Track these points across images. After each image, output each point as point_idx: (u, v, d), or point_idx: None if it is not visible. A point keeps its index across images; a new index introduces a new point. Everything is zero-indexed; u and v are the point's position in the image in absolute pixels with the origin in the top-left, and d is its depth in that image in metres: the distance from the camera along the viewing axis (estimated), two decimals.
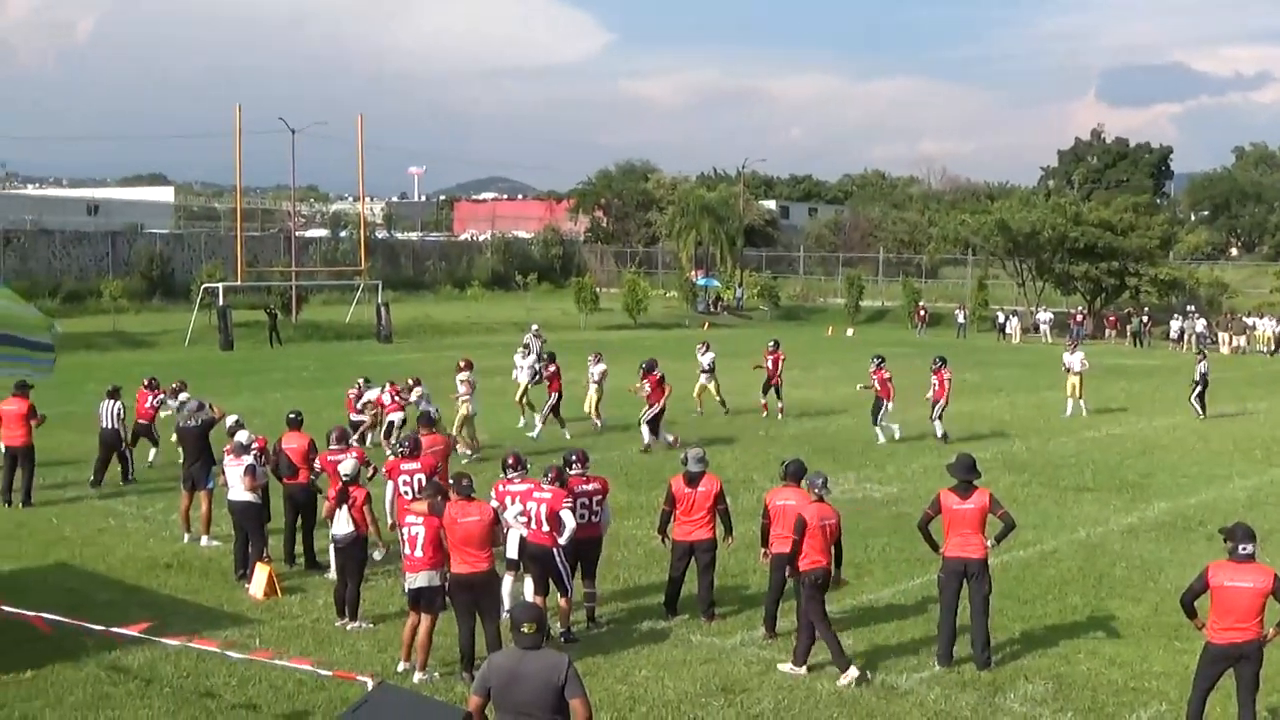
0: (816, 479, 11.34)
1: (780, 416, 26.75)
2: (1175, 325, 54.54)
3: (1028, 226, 59.40)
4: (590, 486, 12.20)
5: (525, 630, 6.93)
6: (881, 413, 23.99)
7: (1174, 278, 59.47)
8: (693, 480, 12.31)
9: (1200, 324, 54.23)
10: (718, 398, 27.14)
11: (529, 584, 11.90)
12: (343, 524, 12.16)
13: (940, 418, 23.85)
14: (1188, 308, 57.09)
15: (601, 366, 25.13)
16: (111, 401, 19.07)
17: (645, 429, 22.69)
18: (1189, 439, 25.14)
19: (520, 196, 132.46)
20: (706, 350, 27.32)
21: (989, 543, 11.27)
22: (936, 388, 23.76)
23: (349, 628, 12.11)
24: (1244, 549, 9.20)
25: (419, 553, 10.65)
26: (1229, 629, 9.20)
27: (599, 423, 24.68)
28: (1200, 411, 28.30)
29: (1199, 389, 28.51)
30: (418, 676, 10.62)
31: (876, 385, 23.97)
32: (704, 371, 27.10)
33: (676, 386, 24.51)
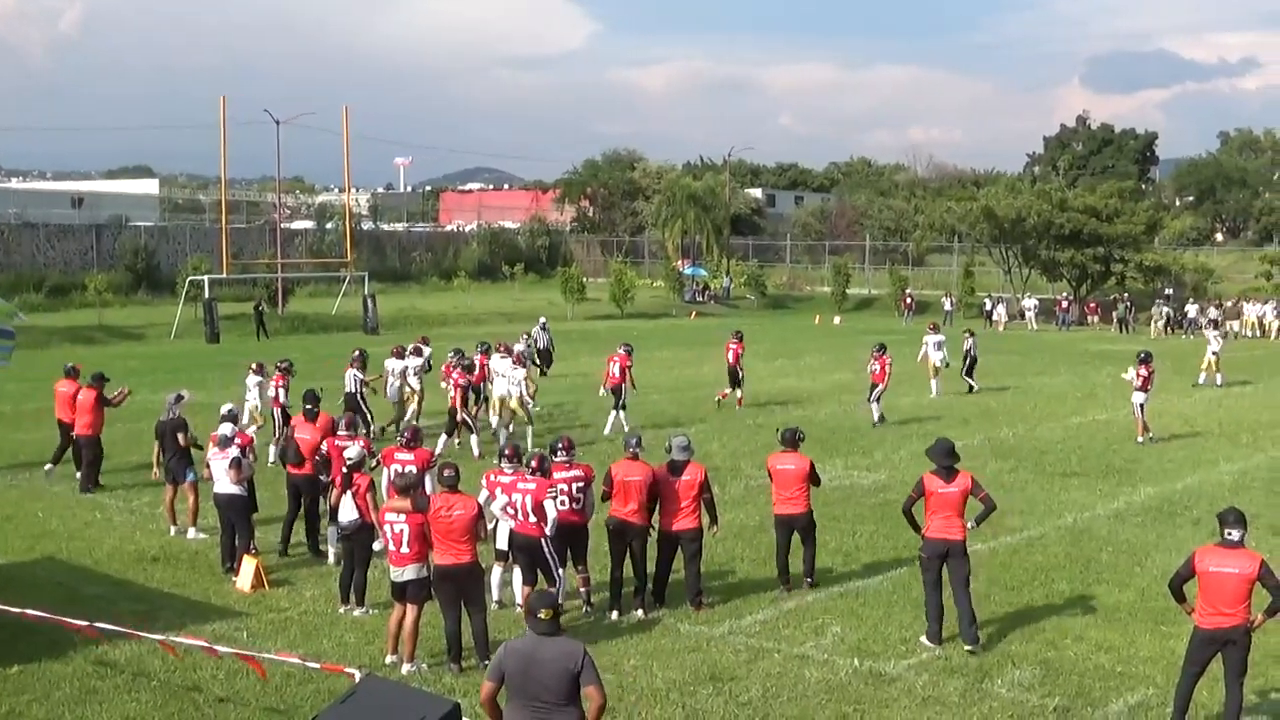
0: (630, 438, 12.53)
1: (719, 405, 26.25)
2: (1159, 311, 54.51)
3: (1013, 213, 59.62)
4: (571, 473, 12.11)
5: (541, 616, 6.87)
6: (874, 393, 24.66)
7: (1159, 263, 59.71)
8: (677, 469, 12.26)
9: (1193, 309, 54.15)
10: (483, 413, 22.13)
11: (518, 574, 11.89)
12: (349, 510, 12.17)
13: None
14: (1166, 292, 57.21)
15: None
16: (353, 371, 21.16)
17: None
18: (1175, 424, 25.20)
19: (506, 186, 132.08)
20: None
21: (969, 524, 11.36)
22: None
23: (354, 614, 12.11)
24: (1230, 534, 9.22)
25: (405, 549, 10.62)
26: (1216, 614, 9.20)
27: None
28: (972, 386, 29.71)
29: (967, 365, 29.92)
30: (405, 668, 10.61)
31: (877, 369, 24.66)
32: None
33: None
